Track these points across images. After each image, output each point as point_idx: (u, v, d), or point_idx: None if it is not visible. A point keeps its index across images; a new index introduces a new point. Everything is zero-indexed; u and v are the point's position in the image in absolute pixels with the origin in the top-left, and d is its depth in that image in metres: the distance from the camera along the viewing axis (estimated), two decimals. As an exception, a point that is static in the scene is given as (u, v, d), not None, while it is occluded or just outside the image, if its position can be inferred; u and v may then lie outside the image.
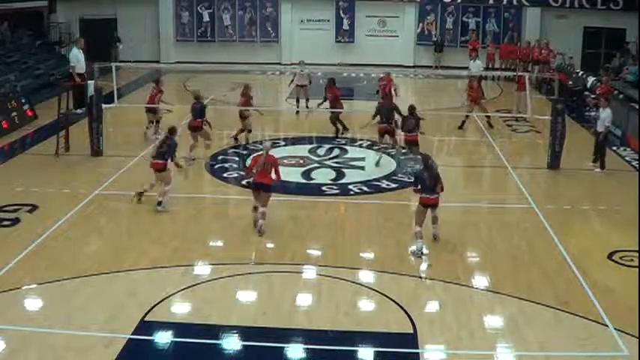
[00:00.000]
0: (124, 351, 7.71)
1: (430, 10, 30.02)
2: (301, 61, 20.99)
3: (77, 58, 18.72)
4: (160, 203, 12.18)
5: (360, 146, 16.78)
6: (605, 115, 15.00)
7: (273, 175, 11.05)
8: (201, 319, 8.53)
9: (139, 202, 12.35)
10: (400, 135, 14.90)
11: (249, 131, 16.65)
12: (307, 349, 7.94)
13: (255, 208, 11.15)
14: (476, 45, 27.51)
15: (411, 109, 14.90)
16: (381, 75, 19.59)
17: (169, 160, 12.19)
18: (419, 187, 10.67)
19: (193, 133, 15.24)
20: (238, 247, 10.68)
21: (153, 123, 17.01)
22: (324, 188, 13.65)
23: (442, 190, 10.67)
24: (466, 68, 24.69)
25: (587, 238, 11.37)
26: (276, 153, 15.58)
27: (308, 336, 8.15)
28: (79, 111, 17.30)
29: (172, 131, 12.41)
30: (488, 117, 18.75)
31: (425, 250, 10.49)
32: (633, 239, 10.46)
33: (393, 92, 18.72)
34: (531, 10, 29.27)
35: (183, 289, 9.22)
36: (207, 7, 30.31)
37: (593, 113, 19.60)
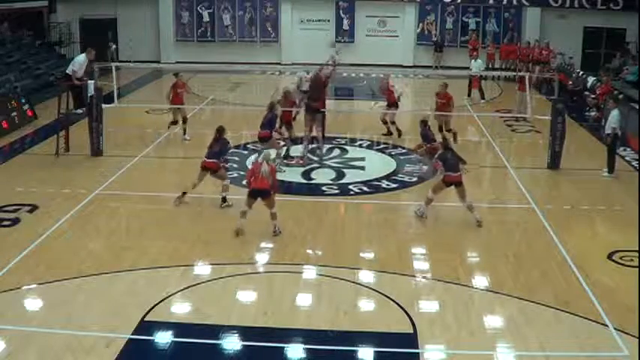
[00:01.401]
0: (124, 351, 7.70)
1: (430, 10, 30.05)
2: (308, 70, 19.42)
3: (81, 65, 18.64)
4: (224, 199, 12.36)
5: (360, 146, 16.78)
6: (610, 116, 14.96)
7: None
8: (201, 319, 8.52)
9: (179, 203, 12.38)
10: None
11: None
12: (307, 349, 7.93)
13: (244, 213, 11.02)
14: (476, 45, 27.54)
15: (424, 123, 14.49)
16: (382, 78, 18.26)
17: (222, 159, 12.46)
18: (442, 166, 11.75)
19: (262, 143, 14.41)
20: (238, 247, 10.67)
21: (178, 122, 16.79)
22: (324, 188, 13.65)
23: (465, 163, 11.88)
24: (466, 68, 24.75)
25: (587, 238, 11.37)
26: (275, 153, 15.69)
27: (308, 336, 8.15)
28: (79, 111, 17.29)
29: (222, 131, 12.51)
30: (451, 133, 16.44)
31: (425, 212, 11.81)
32: (633, 239, 10.46)
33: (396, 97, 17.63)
34: (531, 10, 29.29)
35: (183, 289, 9.22)
36: (207, 7, 30.34)
37: (592, 113, 19.64)
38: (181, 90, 16.87)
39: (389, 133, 17.37)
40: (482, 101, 22.49)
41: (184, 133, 16.96)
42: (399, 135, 17.38)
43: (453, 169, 11.61)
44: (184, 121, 16.96)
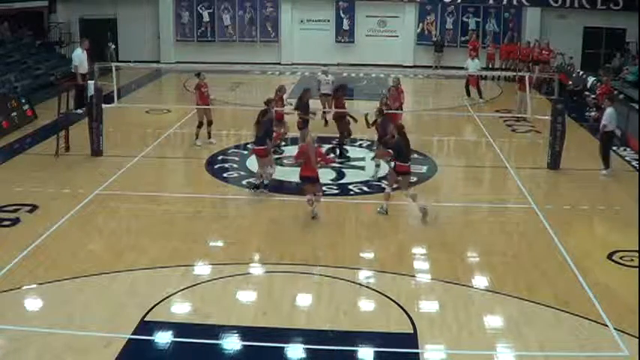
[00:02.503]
0: (124, 351, 7.70)
1: (430, 10, 30.06)
2: (325, 70, 18.60)
3: (80, 58, 18.80)
4: (257, 186, 12.83)
5: (360, 146, 16.78)
6: (605, 114, 15.05)
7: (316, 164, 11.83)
8: (201, 319, 8.52)
9: (267, 192, 12.89)
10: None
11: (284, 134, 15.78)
12: (307, 349, 7.93)
13: (310, 200, 11.67)
14: (476, 45, 27.54)
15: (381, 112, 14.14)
16: (391, 85, 17.10)
17: (269, 144, 12.90)
18: (394, 155, 11.95)
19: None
20: (238, 247, 10.68)
21: (206, 124, 16.28)
22: (324, 188, 13.61)
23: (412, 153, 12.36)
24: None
25: (587, 238, 11.37)
26: (275, 153, 15.70)
27: (308, 336, 8.15)
28: (79, 111, 17.30)
29: (265, 113, 13.06)
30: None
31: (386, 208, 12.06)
32: (633, 239, 10.46)
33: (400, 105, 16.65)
34: (531, 10, 29.29)
35: (183, 289, 9.22)
36: (207, 7, 30.35)
37: (592, 113, 19.64)
38: (205, 89, 16.31)
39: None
40: (482, 100, 22.48)
41: (209, 137, 16.44)
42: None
43: (405, 159, 11.83)
44: (210, 123, 16.37)
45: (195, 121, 16.57)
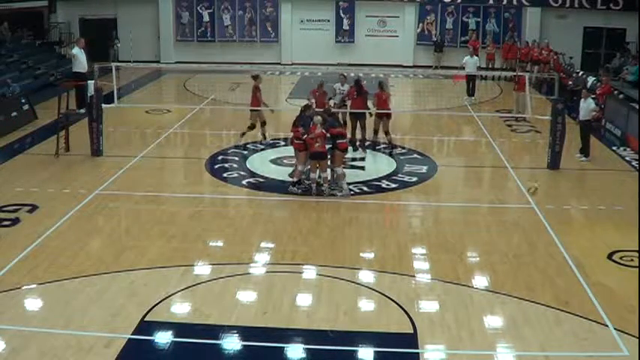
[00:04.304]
0: (124, 351, 7.70)
1: (430, 10, 30.06)
2: (341, 74, 17.09)
3: (79, 57, 18.81)
4: (328, 185, 13.12)
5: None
6: (585, 105, 15.52)
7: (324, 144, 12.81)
8: (201, 319, 8.52)
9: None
10: None
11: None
12: (307, 349, 7.93)
13: (315, 168, 12.83)
14: (476, 45, 27.53)
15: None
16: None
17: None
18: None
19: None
20: (238, 247, 10.68)
21: (257, 126, 16.10)
22: (324, 188, 13.61)
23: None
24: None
25: (587, 238, 11.36)
26: (276, 153, 15.74)
27: (308, 336, 8.15)
28: (81, 111, 17.30)
29: (306, 108, 13.70)
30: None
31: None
32: (633, 239, 10.45)
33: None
34: (531, 10, 29.31)
35: (183, 289, 9.22)
36: (207, 7, 30.35)
37: (593, 113, 19.63)
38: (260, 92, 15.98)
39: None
40: (472, 98, 22.43)
41: (265, 138, 16.31)
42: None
43: (342, 138, 13.19)
44: (264, 124, 16.22)
45: (243, 123, 16.36)
